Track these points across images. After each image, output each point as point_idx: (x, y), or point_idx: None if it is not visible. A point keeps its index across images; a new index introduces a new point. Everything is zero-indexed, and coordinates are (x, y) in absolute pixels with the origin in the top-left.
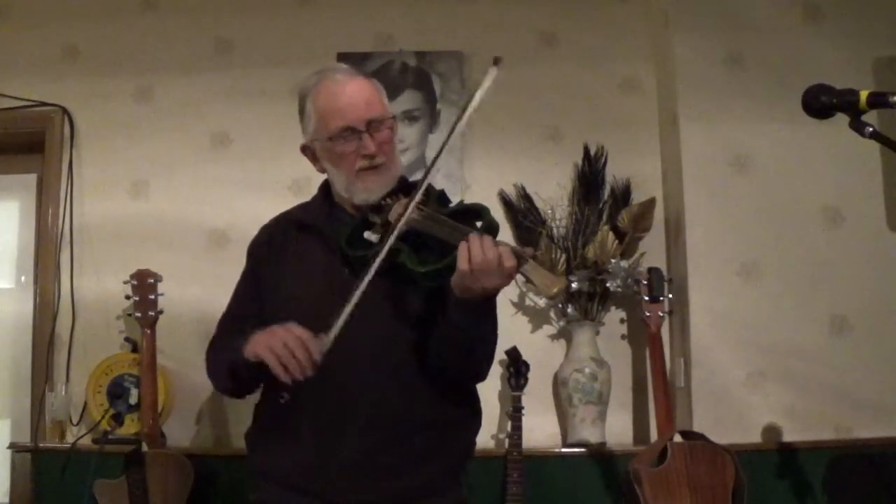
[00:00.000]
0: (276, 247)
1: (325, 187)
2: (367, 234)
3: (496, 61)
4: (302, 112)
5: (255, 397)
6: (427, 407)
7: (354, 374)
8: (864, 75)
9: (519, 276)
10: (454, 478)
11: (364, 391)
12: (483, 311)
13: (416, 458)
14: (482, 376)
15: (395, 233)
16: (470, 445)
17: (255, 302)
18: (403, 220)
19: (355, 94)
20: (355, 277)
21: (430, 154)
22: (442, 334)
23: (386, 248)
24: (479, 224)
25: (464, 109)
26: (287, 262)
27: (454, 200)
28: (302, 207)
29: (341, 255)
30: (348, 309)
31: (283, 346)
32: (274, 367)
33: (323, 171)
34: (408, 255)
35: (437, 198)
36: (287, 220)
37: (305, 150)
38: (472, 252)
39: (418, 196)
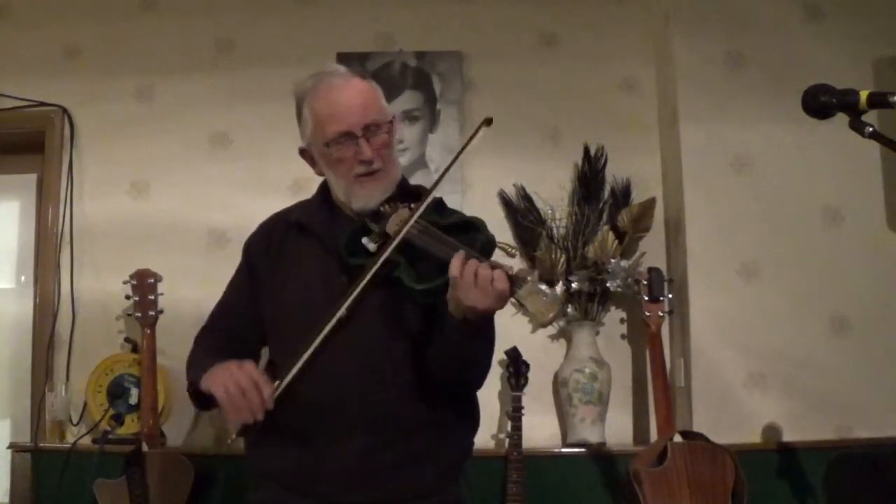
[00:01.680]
0: (274, 247)
1: (324, 188)
2: (364, 241)
3: (489, 122)
4: (299, 115)
5: None
6: (424, 409)
7: (352, 378)
8: (864, 75)
9: (514, 300)
10: (451, 479)
11: (361, 394)
12: (479, 331)
13: (414, 459)
14: (478, 385)
15: (389, 250)
16: (467, 447)
17: (247, 299)
18: (399, 238)
19: (352, 97)
20: (352, 284)
21: (430, 154)
22: (438, 349)
23: (373, 270)
24: (479, 238)
25: (453, 160)
26: (285, 264)
27: (454, 201)
28: (301, 208)
29: (339, 261)
30: (310, 349)
31: (235, 386)
32: (225, 408)
33: (321, 174)
34: (405, 269)
35: (433, 206)
36: (286, 221)
37: (304, 153)
38: (464, 272)
39: (416, 216)
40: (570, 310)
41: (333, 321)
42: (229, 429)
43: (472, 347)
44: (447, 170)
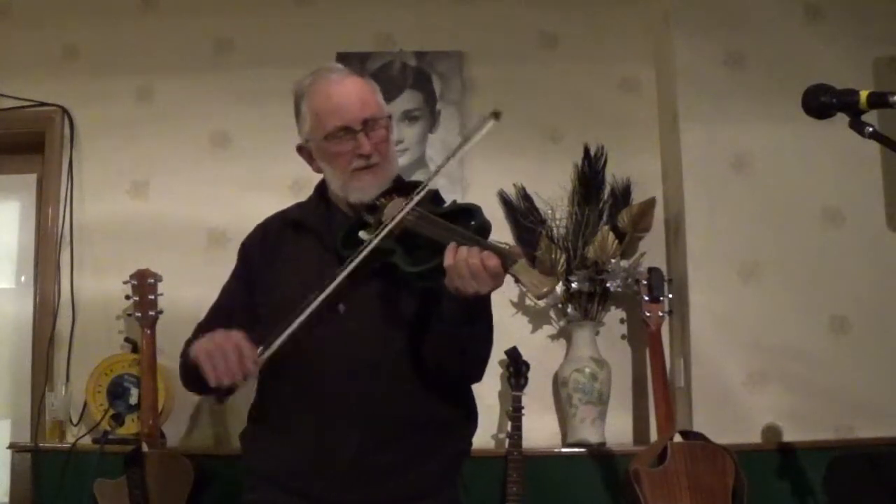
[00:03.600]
0: (270, 246)
1: (321, 187)
2: (361, 234)
3: (496, 115)
4: (297, 112)
5: (251, 397)
6: (421, 408)
7: (349, 375)
8: (864, 75)
9: (510, 277)
10: (449, 479)
11: (358, 392)
12: (476, 312)
13: (411, 458)
14: (477, 377)
15: (384, 232)
16: (465, 447)
17: (243, 299)
18: (395, 222)
19: (350, 93)
20: (349, 277)
21: (430, 154)
22: (436, 334)
23: (369, 248)
24: (472, 223)
25: (455, 151)
26: (282, 262)
27: (454, 199)
28: (298, 207)
29: (336, 255)
30: (300, 318)
31: (217, 349)
32: (204, 368)
33: (319, 171)
34: (401, 255)
35: (430, 198)
36: (283, 220)
37: (301, 150)
38: (456, 258)
39: (415, 201)
40: (570, 310)
41: (329, 289)
42: (207, 388)
43: (471, 332)
44: (447, 160)
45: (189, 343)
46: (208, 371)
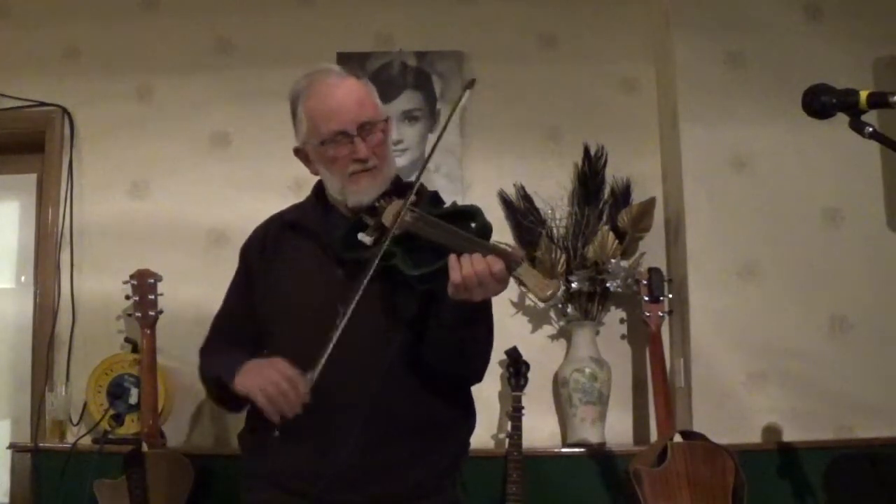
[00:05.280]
0: (269, 248)
1: (319, 188)
2: (360, 236)
3: (471, 84)
4: (294, 115)
5: None
6: (419, 408)
7: (347, 376)
8: (864, 75)
9: (513, 279)
10: (448, 479)
11: (357, 393)
12: (477, 314)
13: (409, 459)
14: (478, 378)
15: (389, 236)
16: (463, 447)
17: (246, 303)
18: (396, 226)
19: (346, 96)
20: (349, 279)
21: None
22: (436, 336)
23: (379, 254)
24: (472, 225)
25: (441, 132)
26: (281, 263)
27: (454, 200)
28: (296, 208)
29: (335, 257)
30: (335, 337)
31: (272, 386)
32: (265, 408)
33: (316, 173)
34: (401, 258)
35: (429, 199)
36: (281, 222)
37: (298, 152)
38: (462, 268)
39: (409, 201)
40: (570, 310)
41: (352, 307)
42: (271, 425)
43: (471, 334)
44: (437, 141)
45: (203, 353)
46: (270, 411)
